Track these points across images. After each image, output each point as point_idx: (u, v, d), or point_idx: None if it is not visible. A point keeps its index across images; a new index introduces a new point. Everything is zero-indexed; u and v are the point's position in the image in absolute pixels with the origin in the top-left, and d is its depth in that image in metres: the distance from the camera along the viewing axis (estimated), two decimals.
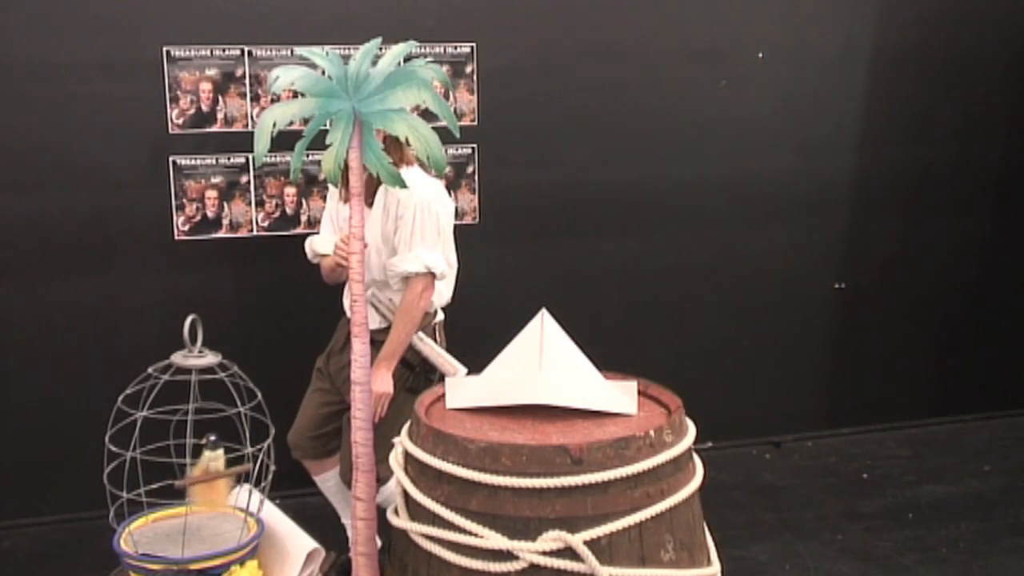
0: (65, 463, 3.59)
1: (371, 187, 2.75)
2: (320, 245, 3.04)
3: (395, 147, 2.73)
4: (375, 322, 2.86)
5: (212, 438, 2.06)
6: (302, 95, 2.45)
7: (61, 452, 3.61)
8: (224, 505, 2.10)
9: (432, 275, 2.83)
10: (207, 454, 2.09)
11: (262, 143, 2.42)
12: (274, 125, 2.41)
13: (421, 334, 2.93)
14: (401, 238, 2.83)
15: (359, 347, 2.49)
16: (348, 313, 2.85)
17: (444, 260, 2.88)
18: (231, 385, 1.90)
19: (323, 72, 2.46)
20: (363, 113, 2.42)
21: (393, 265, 2.84)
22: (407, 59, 2.52)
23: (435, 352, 2.94)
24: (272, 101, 2.53)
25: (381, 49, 2.47)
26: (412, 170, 2.84)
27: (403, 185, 2.47)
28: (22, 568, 3.36)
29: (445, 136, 2.49)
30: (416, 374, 2.93)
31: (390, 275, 2.86)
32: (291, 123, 2.44)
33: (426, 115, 2.60)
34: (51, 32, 3.41)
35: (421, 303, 2.85)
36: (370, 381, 2.53)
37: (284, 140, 3.64)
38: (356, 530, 2.40)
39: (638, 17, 3.92)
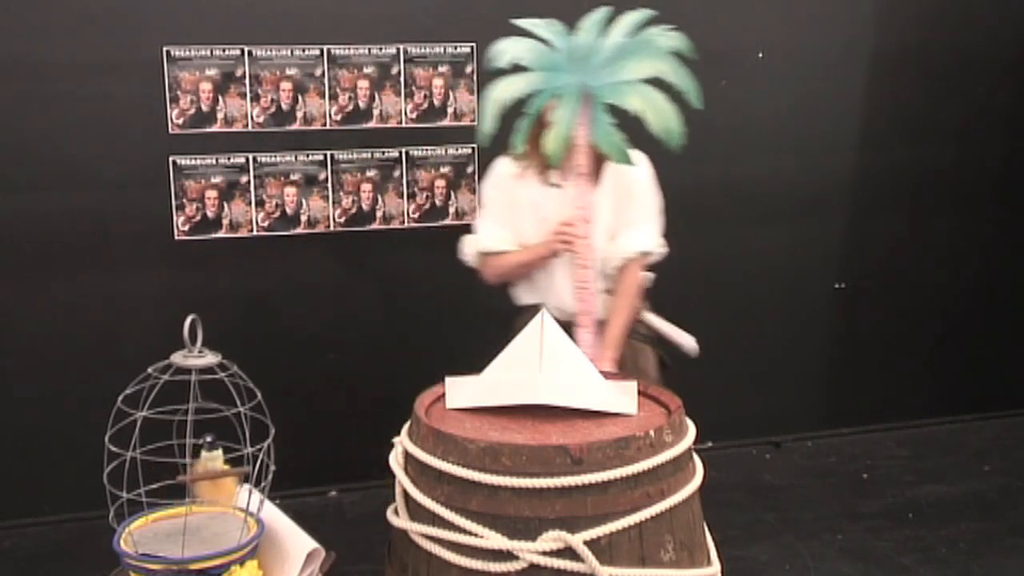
0: (65, 463, 3.59)
1: (596, 165, 2.55)
2: (491, 242, 2.78)
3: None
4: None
5: (209, 439, 2.06)
6: (526, 69, 2.32)
7: (61, 452, 3.61)
8: (228, 503, 2.11)
9: (649, 255, 2.67)
10: (205, 454, 2.09)
11: (488, 120, 2.30)
12: (501, 102, 2.28)
13: (649, 312, 2.79)
14: (627, 217, 2.65)
15: (587, 338, 2.37)
16: (540, 305, 2.70)
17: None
18: (231, 385, 1.90)
19: (549, 45, 2.32)
20: (592, 87, 2.28)
21: (623, 246, 2.65)
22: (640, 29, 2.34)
23: (668, 326, 2.80)
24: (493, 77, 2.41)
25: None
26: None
27: (631, 163, 2.33)
28: (22, 568, 3.36)
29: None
30: (660, 350, 2.79)
31: (616, 257, 2.66)
32: (516, 99, 2.30)
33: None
34: (51, 32, 3.40)
35: (639, 285, 2.69)
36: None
37: (285, 140, 3.66)
38: None
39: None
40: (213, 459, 2.08)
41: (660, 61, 2.27)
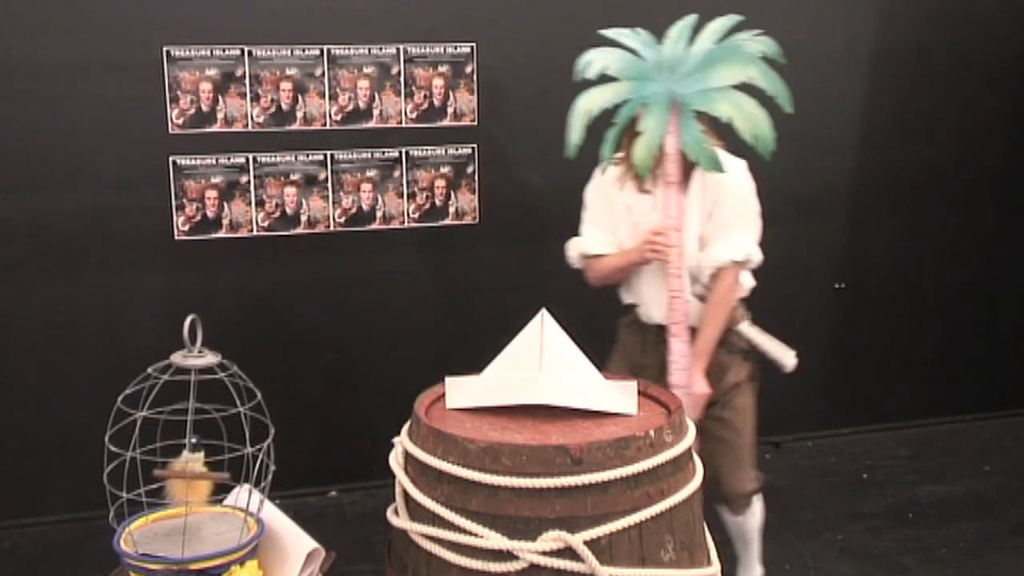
0: (65, 463, 3.59)
1: (686, 172, 2.53)
2: (592, 246, 2.77)
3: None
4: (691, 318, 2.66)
5: (194, 440, 2.06)
6: (614, 79, 2.32)
7: (61, 452, 3.61)
8: (202, 504, 2.10)
9: (743, 264, 2.62)
10: (187, 454, 2.08)
11: (577, 131, 2.29)
12: (589, 112, 2.28)
13: (748, 322, 2.76)
14: (718, 224, 2.60)
15: (679, 347, 2.36)
16: (641, 311, 2.70)
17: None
18: (231, 385, 1.90)
19: (636, 54, 2.33)
20: (681, 95, 2.27)
21: (713, 254, 2.60)
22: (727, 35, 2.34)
23: (766, 338, 2.76)
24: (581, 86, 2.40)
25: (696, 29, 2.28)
26: (720, 152, 2.55)
27: (722, 170, 2.31)
28: (22, 568, 3.36)
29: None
30: (754, 363, 2.75)
31: (706, 265, 2.62)
32: (604, 108, 2.30)
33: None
34: (51, 32, 3.41)
35: (734, 294, 2.64)
36: (690, 384, 2.39)
37: (285, 140, 3.66)
38: None
39: (638, 17, 3.90)
40: (194, 460, 2.08)
41: (749, 66, 2.26)
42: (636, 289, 2.79)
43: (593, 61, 2.35)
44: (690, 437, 2.14)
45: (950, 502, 3.76)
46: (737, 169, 2.60)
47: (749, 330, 2.75)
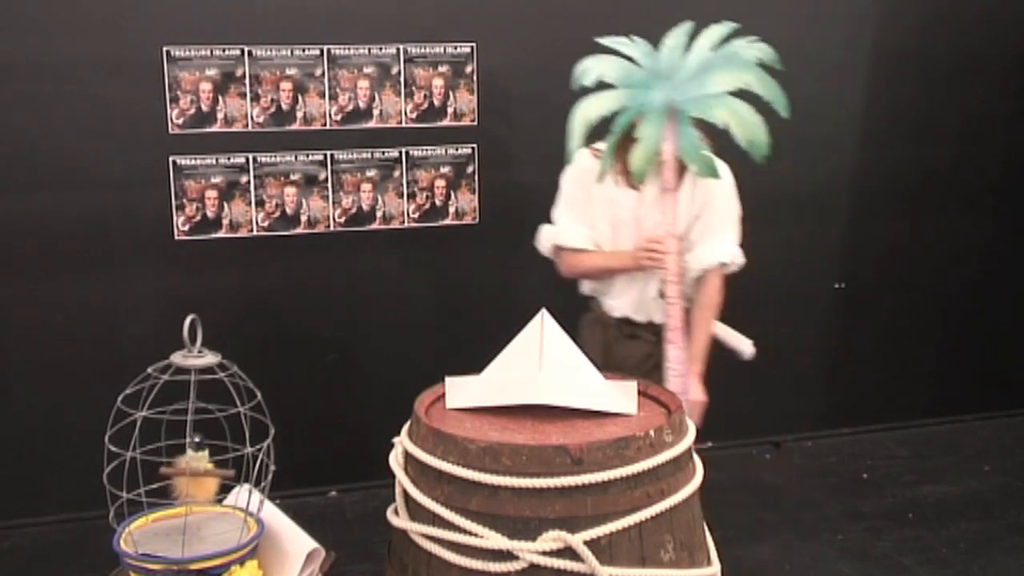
0: (65, 463, 3.60)
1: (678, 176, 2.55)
2: (569, 238, 2.72)
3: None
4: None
5: (197, 440, 2.06)
6: (612, 86, 2.33)
7: (61, 452, 3.61)
8: (208, 501, 2.10)
9: (728, 266, 2.64)
10: (190, 453, 2.08)
11: (577, 138, 2.30)
12: (588, 120, 2.29)
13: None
14: (706, 226, 2.62)
15: (675, 354, 2.36)
16: (624, 314, 2.69)
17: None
18: (231, 385, 1.90)
19: (634, 61, 2.34)
20: (678, 101, 2.28)
21: (702, 257, 2.61)
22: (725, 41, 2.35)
23: (726, 331, 2.77)
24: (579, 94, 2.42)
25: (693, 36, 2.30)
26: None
27: (719, 176, 2.32)
28: (22, 568, 3.36)
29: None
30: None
31: (694, 268, 2.62)
32: (604, 116, 2.32)
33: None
34: (51, 32, 3.41)
35: (721, 296, 2.66)
36: (687, 390, 2.39)
37: (285, 140, 3.66)
38: None
39: (638, 17, 3.90)
40: (197, 459, 2.08)
41: (745, 72, 2.28)
42: (617, 291, 2.76)
43: (590, 69, 2.35)
44: (690, 437, 2.14)
45: (950, 502, 3.76)
46: (724, 172, 2.60)
47: (716, 328, 2.76)
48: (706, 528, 2.23)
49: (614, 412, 2.19)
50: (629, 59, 2.40)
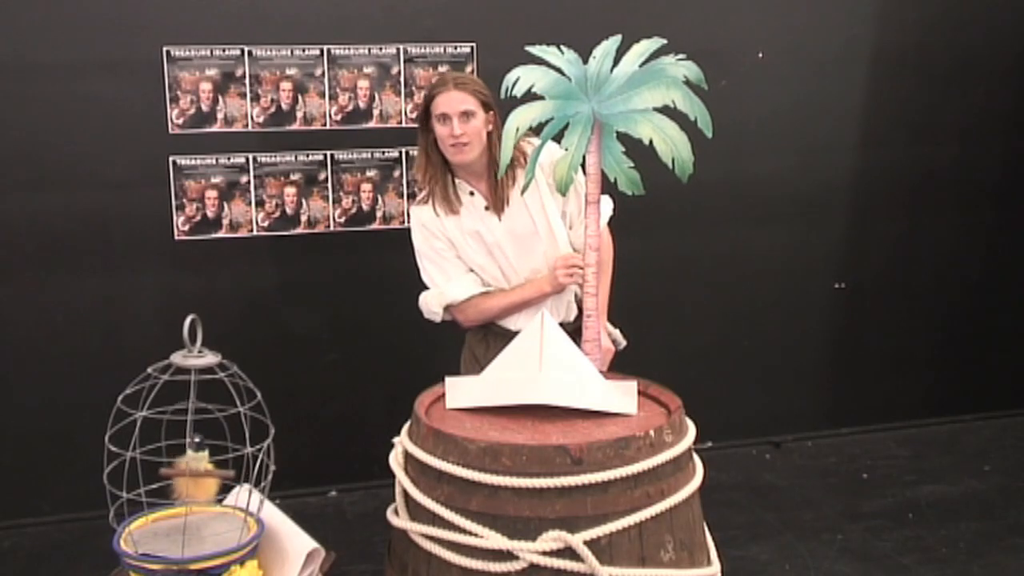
0: (65, 463, 3.60)
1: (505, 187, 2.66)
2: (460, 292, 2.71)
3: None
4: (572, 315, 2.80)
5: (197, 440, 2.06)
6: (541, 97, 2.34)
7: (61, 452, 3.61)
8: (208, 502, 2.10)
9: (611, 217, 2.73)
10: (191, 453, 2.08)
11: (507, 148, 2.33)
12: (517, 130, 2.31)
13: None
14: (579, 200, 2.66)
15: (594, 357, 2.42)
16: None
17: None
18: (231, 385, 1.90)
19: (562, 73, 2.36)
20: (603, 115, 2.31)
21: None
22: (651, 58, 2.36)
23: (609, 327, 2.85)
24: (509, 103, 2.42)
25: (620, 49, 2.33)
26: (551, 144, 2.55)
27: (642, 191, 2.35)
28: (22, 568, 3.36)
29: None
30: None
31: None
32: (532, 126, 2.34)
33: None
34: (51, 32, 3.41)
35: (612, 249, 2.80)
36: (604, 366, 2.52)
37: (285, 140, 3.66)
38: None
39: (637, 17, 3.92)
40: (198, 459, 2.08)
41: (671, 90, 2.28)
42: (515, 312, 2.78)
43: (520, 78, 2.36)
44: (690, 437, 2.14)
45: (950, 502, 3.76)
46: (555, 147, 2.57)
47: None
48: (706, 528, 2.23)
49: (614, 412, 2.19)
50: (558, 70, 2.42)
